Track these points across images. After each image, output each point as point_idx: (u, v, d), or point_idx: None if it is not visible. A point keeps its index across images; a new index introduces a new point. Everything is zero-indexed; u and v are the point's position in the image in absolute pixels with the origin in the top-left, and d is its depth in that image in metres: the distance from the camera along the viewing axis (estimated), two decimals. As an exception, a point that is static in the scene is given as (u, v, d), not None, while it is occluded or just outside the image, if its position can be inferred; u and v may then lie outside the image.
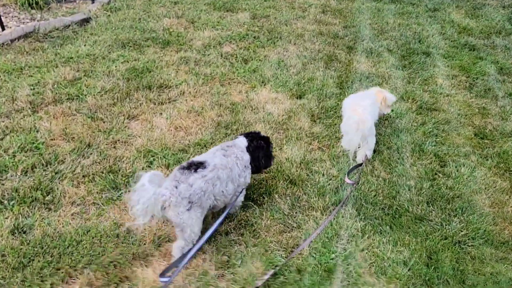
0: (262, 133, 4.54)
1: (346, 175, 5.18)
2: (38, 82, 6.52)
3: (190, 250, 3.77)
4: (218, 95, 6.59)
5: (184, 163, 3.92)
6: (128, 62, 7.28)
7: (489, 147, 5.98)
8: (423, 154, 5.69)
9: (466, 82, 7.65)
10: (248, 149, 4.28)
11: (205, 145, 5.49)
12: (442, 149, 5.81)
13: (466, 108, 6.84)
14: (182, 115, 6.06)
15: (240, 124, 5.91)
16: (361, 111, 5.24)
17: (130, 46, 7.85)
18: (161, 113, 6.08)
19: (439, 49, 8.83)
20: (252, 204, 4.67)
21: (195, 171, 3.78)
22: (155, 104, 6.31)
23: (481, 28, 9.72)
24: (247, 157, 4.24)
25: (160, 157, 5.27)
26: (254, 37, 8.53)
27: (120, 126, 5.77)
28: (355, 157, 5.48)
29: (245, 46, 8.17)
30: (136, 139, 5.56)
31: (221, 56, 7.75)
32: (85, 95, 6.32)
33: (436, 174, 5.37)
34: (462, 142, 6.02)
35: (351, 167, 5.32)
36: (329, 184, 5.05)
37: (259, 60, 7.71)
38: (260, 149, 4.37)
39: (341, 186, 5.04)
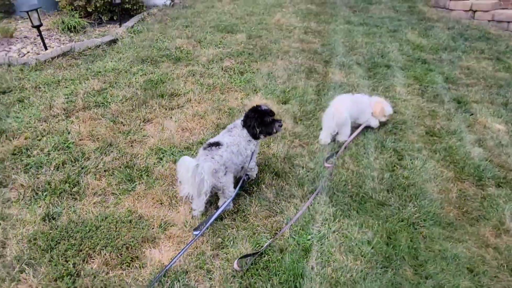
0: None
1: (325, 160, 5.00)
2: (72, 92, 6.19)
3: (213, 214, 3.89)
4: (218, 102, 6.27)
5: (205, 145, 4.00)
6: (146, 75, 6.96)
7: (437, 143, 5.66)
8: (384, 150, 5.37)
9: (419, 90, 7.31)
10: (242, 122, 4.15)
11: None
12: (400, 145, 5.50)
13: (419, 111, 6.52)
14: (188, 118, 5.74)
15: None
16: (338, 106, 5.34)
17: (148, 62, 7.49)
18: (171, 117, 5.76)
19: (397, 62, 8.47)
20: (244, 193, 4.36)
21: (219, 147, 3.88)
22: (166, 109, 5.98)
23: (431, 46, 9.38)
24: (245, 132, 4.14)
25: (169, 154, 4.97)
26: (249, 54, 8.16)
27: (137, 128, 5.45)
28: (333, 141, 5.50)
29: (242, 61, 7.82)
30: (149, 139, 5.25)
31: (222, 69, 7.41)
32: (109, 102, 5.99)
33: (395, 166, 5.06)
34: (416, 139, 5.70)
35: (328, 154, 5.17)
36: (307, 176, 4.74)
37: (252, 72, 7.36)
38: (250, 119, 4.13)
39: (317, 177, 4.76)
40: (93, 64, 7.20)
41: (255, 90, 6.72)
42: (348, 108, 5.49)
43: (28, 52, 7.78)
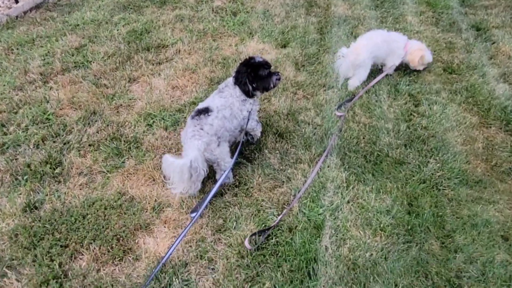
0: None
1: (336, 109, 4.50)
2: (48, 52, 5.49)
3: (210, 191, 3.40)
4: (210, 51, 5.55)
5: (193, 112, 3.44)
6: (128, 24, 6.16)
7: (457, 82, 4.99)
8: (398, 95, 4.73)
9: (433, 18, 6.45)
10: (233, 80, 3.57)
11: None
12: (415, 88, 4.85)
13: (434, 43, 5.74)
14: (178, 74, 5.07)
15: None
16: (360, 44, 4.86)
17: (131, 8, 6.66)
18: (159, 74, 5.10)
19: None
20: (245, 161, 3.82)
21: (208, 114, 3.37)
22: (153, 64, 5.29)
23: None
24: (238, 90, 3.58)
25: (159, 119, 4.39)
26: (241, -11, 7.15)
27: (122, 90, 4.82)
28: (346, 84, 4.96)
29: (233, -1, 6.86)
30: (137, 102, 4.65)
31: (212, 11, 6.57)
32: (90, 61, 5.30)
33: (411, 114, 4.45)
34: (433, 79, 5.01)
35: (341, 101, 4.67)
36: (314, 134, 4.17)
37: (247, 12, 6.52)
38: (241, 75, 3.53)
39: (325, 134, 4.20)
40: (70, 16, 6.39)
41: (250, 34, 5.94)
42: (374, 47, 4.82)
43: (0, 6, 6.90)
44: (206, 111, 3.40)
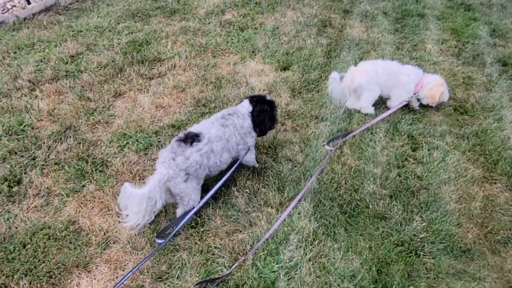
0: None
1: (327, 143, 4.10)
2: (43, 58, 5.35)
3: (185, 213, 3.23)
4: (206, 69, 5.27)
5: (181, 134, 3.20)
6: (131, 34, 5.95)
7: (467, 125, 4.45)
8: (397, 134, 4.24)
9: (456, 47, 5.87)
10: (252, 114, 3.46)
11: (179, 127, 4.25)
12: (418, 128, 4.36)
13: (451, 77, 5.19)
14: (166, 91, 4.79)
15: (220, 102, 4.65)
16: (359, 69, 4.53)
17: (139, 17, 6.44)
18: (147, 90, 4.87)
19: (434, 9, 6.92)
20: (210, 198, 3.46)
21: (191, 144, 3.10)
22: (144, 79, 5.04)
23: (480, -14, 7.54)
24: (247, 123, 3.43)
25: (133, 141, 4.12)
26: (256, 3, 6.88)
27: (105, 105, 4.59)
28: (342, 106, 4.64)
29: (246, 12, 6.59)
30: (116, 120, 4.41)
31: (220, 24, 6.25)
32: (82, 71, 5.12)
33: (406, 159, 3.95)
34: (440, 119, 4.50)
35: (334, 135, 4.26)
36: (291, 174, 3.76)
37: (255, 28, 6.17)
38: (264, 113, 3.50)
39: (304, 175, 3.79)
40: (76, 21, 6.25)
41: (253, 52, 5.59)
42: (374, 74, 4.48)
43: (14, 6, 6.88)
44: (194, 138, 3.15)
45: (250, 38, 5.90)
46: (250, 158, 3.66)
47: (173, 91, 4.82)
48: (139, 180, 3.69)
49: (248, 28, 6.18)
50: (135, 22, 6.26)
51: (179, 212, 3.30)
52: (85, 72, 5.09)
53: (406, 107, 4.56)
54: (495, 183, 3.77)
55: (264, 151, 4.04)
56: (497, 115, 4.58)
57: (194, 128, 3.24)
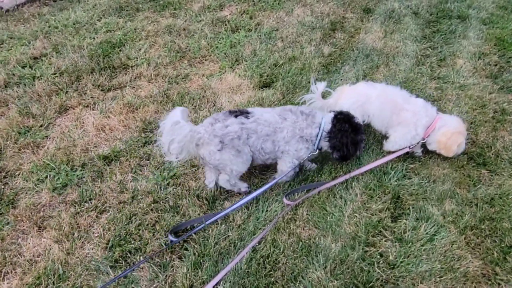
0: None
1: (285, 196, 3.17)
2: (4, 59, 4.72)
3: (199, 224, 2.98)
4: (175, 80, 4.45)
5: (232, 109, 3.03)
6: (109, 32, 5.23)
7: (482, 183, 3.23)
8: (379, 192, 3.18)
9: (496, 65, 4.51)
10: (331, 131, 3.08)
11: (111, 160, 3.44)
12: (410, 185, 3.29)
13: (477, 109, 3.96)
14: (117, 109, 4.05)
15: None
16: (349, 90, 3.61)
17: (127, 11, 5.70)
18: (97, 106, 4.05)
19: (481, 10, 5.47)
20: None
21: (236, 116, 2.93)
22: (102, 90, 4.34)
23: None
24: (313, 132, 3.07)
25: (53, 175, 3.35)
26: (263, -4, 5.74)
27: (44, 122, 3.94)
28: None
29: (246, 9, 5.55)
30: (47, 144, 3.70)
31: (212, 22, 5.34)
32: (37, 78, 4.43)
33: (381, 232, 2.91)
34: (444, 173, 3.34)
35: (297, 187, 3.30)
36: (218, 243, 2.82)
37: (249, 29, 5.17)
38: (347, 134, 3.08)
39: (234, 245, 2.95)
40: (58, 14, 5.63)
41: (236, 61, 4.64)
42: (363, 99, 3.49)
43: (7, -6, 6.36)
44: (242, 113, 3.00)
45: (239, 42, 4.91)
46: (285, 168, 3.18)
47: (125, 109, 4.04)
48: (38, 231, 2.96)
49: (242, 28, 5.18)
50: (119, 17, 5.50)
51: (221, 177, 3.14)
52: (40, 79, 4.42)
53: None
54: (499, 284, 2.58)
55: (199, 203, 3.12)
56: (529, 173, 3.28)
57: (251, 109, 3.05)
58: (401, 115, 3.34)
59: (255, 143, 2.96)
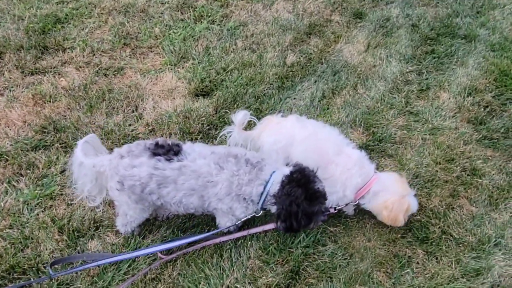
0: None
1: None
2: None
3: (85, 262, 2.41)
4: (105, 73, 3.84)
5: (168, 140, 2.39)
6: (61, 3, 4.55)
7: (410, 269, 2.53)
8: (279, 256, 2.50)
9: (487, 107, 3.66)
10: (278, 194, 2.30)
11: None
12: (323, 253, 2.74)
13: (442, 163, 3.23)
14: (25, 100, 3.53)
15: (73, 131, 3.16)
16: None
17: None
18: (6, 93, 3.49)
19: (495, 32, 4.48)
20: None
21: (154, 154, 2.27)
22: (22, 73, 3.80)
23: None
24: (253, 190, 2.33)
25: None
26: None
27: None
28: None
29: (223, -6, 4.76)
30: None
31: (177, 7, 4.60)
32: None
33: None
34: (368, 246, 2.68)
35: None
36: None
37: (212, 21, 4.44)
38: (292, 200, 2.27)
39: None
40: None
41: (182, 58, 4.01)
42: (284, 139, 2.78)
43: None
44: (172, 150, 2.32)
45: (195, 35, 4.21)
46: (223, 224, 2.55)
47: (33, 101, 3.44)
48: None
49: (205, 18, 4.41)
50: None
51: (117, 221, 2.66)
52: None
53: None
54: None
55: (57, 238, 2.54)
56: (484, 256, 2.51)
57: (186, 146, 2.38)
58: (329, 170, 2.60)
59: (171, 195, 2.31)
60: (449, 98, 3.75)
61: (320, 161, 2.61)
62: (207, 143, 3.21)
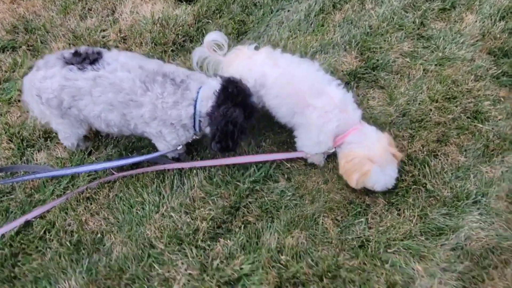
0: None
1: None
2: None
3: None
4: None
5: (89, 49, 2.12)
6: None
7: (364, 218, 2.30)
8: (223, 189, 2.38)
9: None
10: (212, 114, 2.09)
11: None
12: (272, 190, 2.50)
13: (440, 101, 2.83)
14: (1, -4, 3.25)
15: (43, 33, 3.16)
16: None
17: None
18: None
19: None
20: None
21: (67, 63, 2.04)
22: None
23: None
24: (180, 113, 2.11)
25: None
26: None
27: None
28: None
29: None
30: None
31: None
32: None
33: (183, 250, 2.15)
34: (322, 188, 2.44)
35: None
36: None
37: None
38: (229, 120, 2.09)
39: None
40: None
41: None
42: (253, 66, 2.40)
43: None
44: (90, 58, 2.06)
45: None
46: (162, 149, 2.35)
47: (9, -3, 3.24)
48: None
49: None
50: None
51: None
52: None
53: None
54: None
55: (5, 146, 2.52)
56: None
57: (111, 54, 2.10)
58: (305, 115, 2.25)
59: (88, 109, 2.10)
60: (475, 22, 3.07)
61: (296, 107, 2.26)
62: (179, 57, 2.90)
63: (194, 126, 2.15)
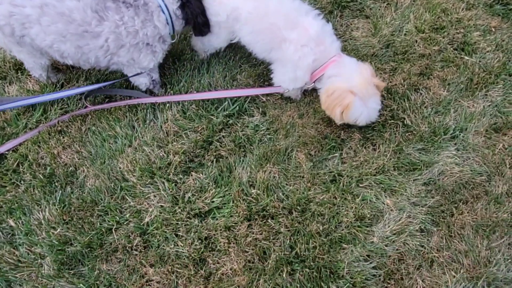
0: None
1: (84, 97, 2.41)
2: None
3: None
4: None
5: None
6: None
7: (338, 153, 2.26)
8: (196, 123, 2.37)
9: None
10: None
11: None
12: (245, 124, 2.46)
13: (426, 32, 2.68)
14: None
15: None
16: None
17: None
18: None
19: None
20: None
21: None
22: None
23: None
24: (153, 28, 2.07)
25: None
26: None
27: None
28: None
29: None
30: None
31: None
32: None
33: (155, 183, 2.18)
34: (297, 123, 2.39)
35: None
36: None
37: None
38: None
39: None
40: None
41: None
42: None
43: None
44: None
45: None
46: (139, 81, 2.37)
47: None
48: None
49: None
50: None
51: None
52: None
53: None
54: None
55: None
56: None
57: None
58: (282, 50, 2.13)
59: (40, 38, 1.99)
60: None
61: (272, 43, 2.13)
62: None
63: (169, 33, 2.14)
